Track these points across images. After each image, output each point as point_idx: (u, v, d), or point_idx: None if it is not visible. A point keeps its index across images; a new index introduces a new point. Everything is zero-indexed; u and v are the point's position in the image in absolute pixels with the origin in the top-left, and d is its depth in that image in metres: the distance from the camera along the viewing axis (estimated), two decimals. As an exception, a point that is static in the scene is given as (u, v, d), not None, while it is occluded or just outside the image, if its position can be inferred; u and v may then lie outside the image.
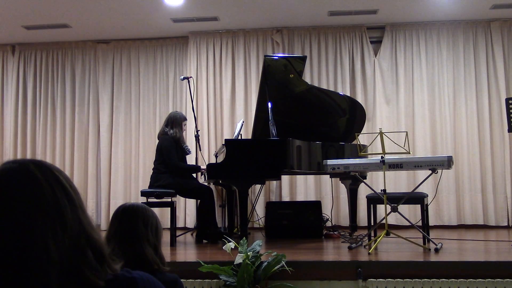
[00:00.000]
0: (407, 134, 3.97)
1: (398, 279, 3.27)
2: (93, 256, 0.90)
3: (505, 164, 5.97)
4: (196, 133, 5.43)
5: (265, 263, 3.27)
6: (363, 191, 5.31)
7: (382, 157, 3.97)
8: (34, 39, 6.64)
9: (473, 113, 6.09)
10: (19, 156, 6.61)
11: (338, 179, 5.53)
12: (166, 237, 4.41)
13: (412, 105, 6.20)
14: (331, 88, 6.12)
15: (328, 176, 5.65)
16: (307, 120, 5.22)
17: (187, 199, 6.02)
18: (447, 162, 3.81)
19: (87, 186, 6.49)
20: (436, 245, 3.92)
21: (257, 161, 4.26)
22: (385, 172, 4.01)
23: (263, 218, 5.63)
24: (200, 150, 5.56)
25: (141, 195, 4.73)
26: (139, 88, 6.65)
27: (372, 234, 4.36)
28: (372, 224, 4.46)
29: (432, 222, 5.60)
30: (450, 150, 5.99)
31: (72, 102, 6.71)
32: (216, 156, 5.40)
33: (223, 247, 3.37)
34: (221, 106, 6.42)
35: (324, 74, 6.34)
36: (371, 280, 3.29)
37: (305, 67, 5.36)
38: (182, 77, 5.62)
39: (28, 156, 6.53)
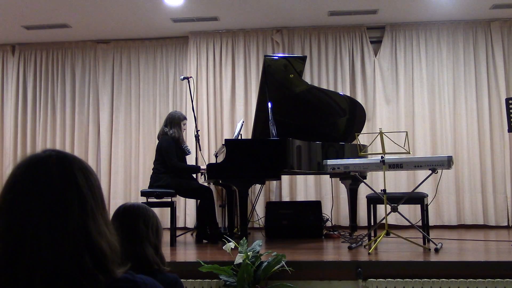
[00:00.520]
0: (407, 134, 3.97)
1: (398, 279, 3.27)
2: (92, 263, 0.88)
3: (505, 164, 5.97)
4: (196, 133, 5.43)
5: (265, 263, 3.27)
6: (363, 191, 5.30)
7: (382, 157, 3.97)
8: (34, 39, 6.63)
9: (473, 113, 6.09)
10: (18, 156, 6.61)
11: (338, 179, 5.53)
12: (166, 237, 4.41)
13: (412, 105, 6.20)
14: (331, 88, 6.12)
15: (328, 176, 5.65)
16: (307, 120, 5.22)
17: (187, 199, 6.02)
18: (447, 162, 3.82)
19: (87, 186, 6.48)
20: (436, 245, 3.92)
21: (257, 161, 4.26)
22: (385, 172, 4.01)
23: (263, 218, 5.63)
24: (200, 150, 5.56)
25: (141, 195, 4.73)
26: (139, 88, 6.65)
27: (372, 234, 4.36)
28: (372, 224, 4.46)
29: (432, 222, 5.60)
30: (450, 150, 5.99)
31: (72, 102, 6.71)
32: (216, 156, 5.40)
33: (223, 247, 3.37)
34: (221, 106, 6.42)
35: (324, 74, 6.34)
36: (371, 280, 3.29)
37: (305, 67, 5.37)
38: (182, 77, 5.62)
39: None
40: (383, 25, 6.33)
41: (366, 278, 3.30)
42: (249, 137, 5.62)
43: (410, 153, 3.96)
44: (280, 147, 4.26)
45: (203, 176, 5.37)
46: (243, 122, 5.53)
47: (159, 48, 6.69)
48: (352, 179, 4.93)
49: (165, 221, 5.43)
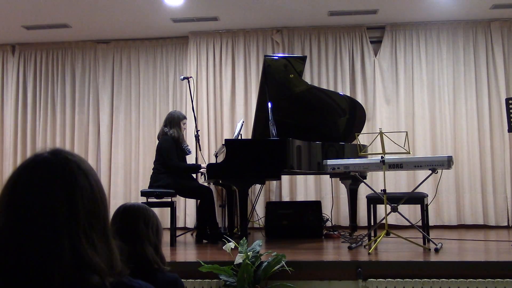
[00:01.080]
0: (407, 134, 3.96)
1: (398, 279, 3.27)
2: (78, 273, 0.85)
3: (505, 164, 5.97)
4: (196, 133, 5.43)
5: (265, 263, 3.27)
6: (363, 191, 5.31)
7: (382, 157, 3.97)
8: (34, 39, 6.63)
9: (473, 113, 6.09)
10: (18, 156, 6.62)
11: (338, 179, 5.53)
12: (166, 237, 4.41)
13: (412, 105, 6.20)
14: (331, 88, 6.12)
15: (328, 176, 5.65)
16: (307, 120, 5.22)
17: (187, 199, 6.02)
18: (447, 162, 3.81)
19: (87, 186, 6.48)
20: (436, 245, 3.92)
21: (257, 161, 4.26)
22: (385, 172, 4.01)
23: (263, 218, 5.63)
24: (200, 150, 5.56)
25: (141, 195, 4.73)
26: (139, 88, 6.65)
27: (372, 234, 4.36)
28: (372, 224, 4.46)
29: (432, 222, 5.60)
30: (450, 150, 5.99)
31: (72, 102, 6.71)
32: (216, 156, 5.40)
33: (223, 247, 3.37)
34: (221, 106, 6.42)
35: (324, 74, 6.34)
36: (371, 280, 3.29)
37: (305, 67, 5.36)
38: (182, 77, 5.62)
39: (28, 156, 6.51)
40: (383, 25, 6.33)
41: (366, 278, 3.30)
42: (249, 137, 5.62)
43: (410, 153, 3.96)
44: (280, 147, 4.26)
45: (203, 176, 5.37)
46: (243, 122, 5.53)
47: (159, 48, 6.69)
48: (352, 179, 4.93)
49: (165, 221, 5.43)
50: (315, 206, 5.19)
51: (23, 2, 5.41)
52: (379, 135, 4.03)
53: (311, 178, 6.13)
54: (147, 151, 6.44)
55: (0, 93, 6.83)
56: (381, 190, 4.04)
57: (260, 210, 6.01)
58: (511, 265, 3.30)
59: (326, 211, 5.70)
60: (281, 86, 4.97)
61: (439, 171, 3.91)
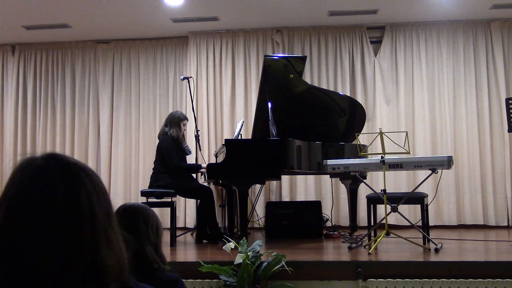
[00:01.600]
0: (407, 134, 3.96)
1: (398, 279, 3.27)
2: (92, 278, 0.82)
3: (505, 164, 5.97)
4: (196, 133, 5.44)
5: (265, 263, 3.27)
6: (363, 191, 5.30)
7: (382, 157, 3.97)
8: (34, 39, 6.63)
9: (473, 113, 6.09)
10: (18, 157, 6.60)
11: (338, 179, 5.53)
12: (166, 237, 4.41)
13: (412, 105, 6.20)
14: (331, 88, 6.12)
15: (328, 176, 5.65)
16: (307, 120, 5.22)
17: (187, 199, 6.02)
18: (447, 162, 3.81)
19: (87, 186, 6.48)
20: (436, 245, 3.92)
21: (257, 161, 4.26)
22: (385, 172, 4.01)
23: (263, 218, 5.63)
24: (200, 150, 5.56)
25: (141, 195, 4.73)
26: (139, 88, 6.65)
27: (372, 234, 4.36)
28: (372, 224, 4.46)
29: (432, 222, 5.59)
30: (450, 150, 5.99)
31: (72, 102, 6.71)
32: (216, 156, 5.40)
33: (223, 247, 3.37)
34: (221, 106, 6.41)
35: (324, 74, 6.34)
36: (371, 280, 3.29)
37: (305, 67, 5.36)
38: (182, 77, 5.62)
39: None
40: (383, 25, 6.33)
41: (366, 278, 3.30)
42: (249, 137, 5.62)
43: (410, 153, 3.96)
44: (280, 147, 4.26)
45: (203, 176, 5.37)
46: (243, 122, 5.53)
47: (159, 48, 6.69)
48: (352, 179, 4.93)
49: (165, 221, 5.42)
50: (315, 206, 5.19)
51: (23, 2, 5.41)
52: (379, 135, 4.03)
53: (311, 178, 6.13)
54: (147, 151, 6.44)
55: (0, 93, 6.83)
56: (381, 190, 4.04)
57: (260, 210, 6.01)
58: (511, 265, 3.30)
59: (326, 211, 5.69)
60: (281, 86, 4.97)
61: (439, 171, 3.91)
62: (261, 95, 4.88)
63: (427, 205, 4.37)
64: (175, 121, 4.90)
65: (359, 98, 6.08)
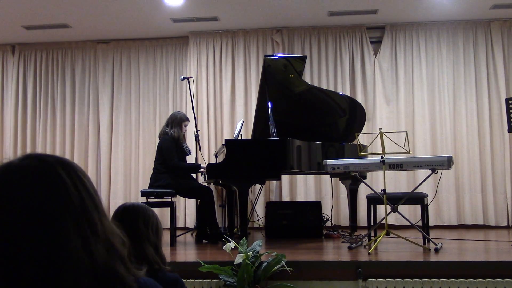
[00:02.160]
0: (407, 134, 3.96)
1: (398, 279, 3.27)
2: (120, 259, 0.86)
3: (505, 164, 5.97)
4: (196, 133, 5.44)
5: (265, 263, 3.27)
6: (363, 191, 5.31)
7: (382, 157, 3.97)
8: (34, 39, 6.63)
9: (473, 113, 6.09)
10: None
11: (338, 179, 5.53)
12: (166, 237, 4.41)
13: (412, 105, 6.20)
14: (331, 88, 6.12)
15: (328, 176, 5.65)
16: (307, 120, 5.22)
17: (187, 199, 6.02)
18: (447, 162, 3.81)
19: (87, 186, 6.48)
20: (436, 245, 3.92)
21: (257, 161, 4.26)
22: (385, 172, 4.01)
23: (263, 218, 5.63)
24: (200, 150, 5.56)
25: (141, 195, 4.73)
26: (139, 88, 6.65)
27: (372, 234, 4.36)
28: (372, 224, 4.46)
29: (432, 222, 5.60)
30: (450, 150, 5.99)
31: (72, 102, 6.71)
32: (216, 156, 5.40)
33: (223, 247, 3.37)
34: (221, 106, 6.42)
35: (324, 74, 6.34)
36: (371, 280, 3.29)
37: (305, 67, 5.36)
38: (182, 77, 5.62)
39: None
40: (383, 25, 6.33)
41: (366, 278, 3.30)
42: (249, 137, 5.62)
43: (410, 153, 3.96)
44: (280, 147, 4.26)
45: (203, 176, 5.37)
46: (243, 122, 5.53)
47: (159, 48, 6.69)
48: (352, 179, 4.93)
49: (165, 221, 5.42)
50: (315, 206, 5.19)
51: (23, 2, 5.41)
52: (379, 135, 4.03)
53: (311, 178, 6.13)
54: (147, 151, 6.44)
55: (0, 93, 6.83)
56: (381, 190, 4.04)
57: (260, 210, 6.01)
58: (511, 265, 3.30)
59: (326, 211, 5.69)
60: (281, 86, 4.97)
61: (439, 171, 3.91)
62: (261, 95, 4.88)
63: (427, 205, 4.37)
64: (177, 121, 4.90)
65: (359, 98, 6.08)
